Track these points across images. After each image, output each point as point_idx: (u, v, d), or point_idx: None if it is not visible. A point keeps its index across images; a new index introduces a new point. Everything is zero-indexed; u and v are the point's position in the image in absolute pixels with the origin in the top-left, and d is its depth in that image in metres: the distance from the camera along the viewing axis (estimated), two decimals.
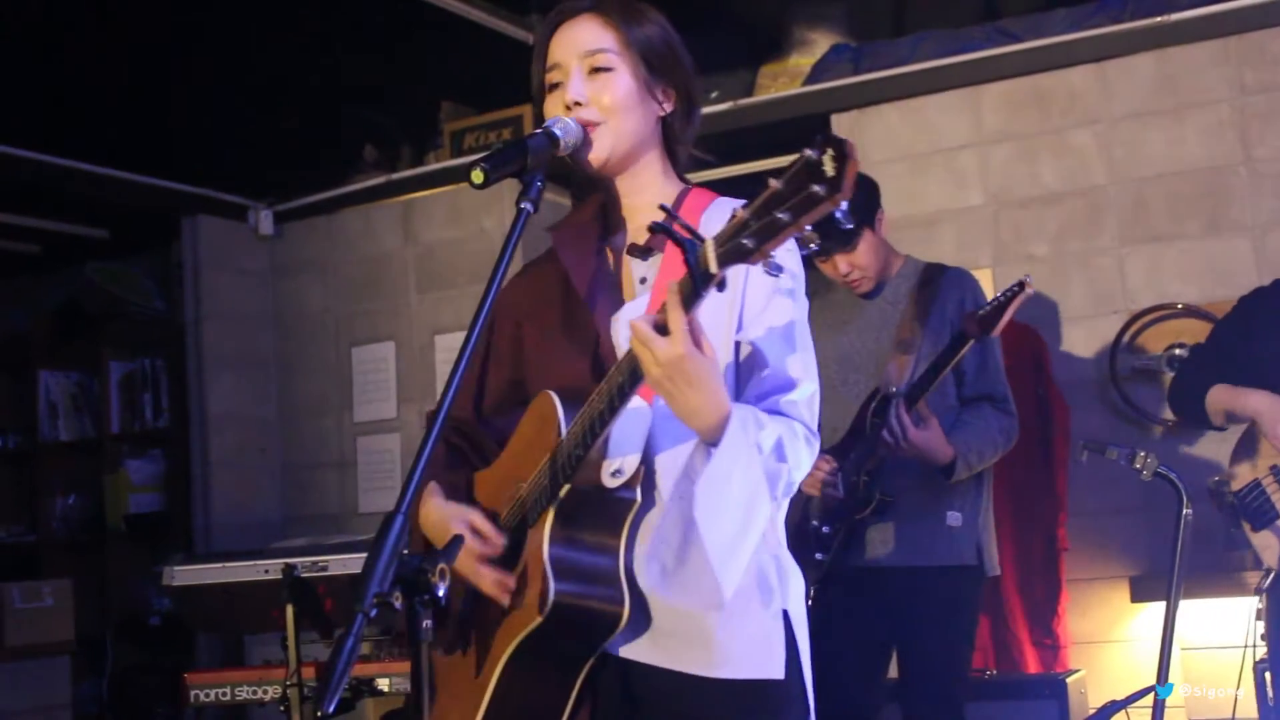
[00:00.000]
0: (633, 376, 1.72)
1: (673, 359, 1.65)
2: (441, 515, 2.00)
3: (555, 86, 2.00)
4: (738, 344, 1.95)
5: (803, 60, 5.35)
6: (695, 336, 1.66)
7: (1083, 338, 4.64)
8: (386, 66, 5.38)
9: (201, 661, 5.74)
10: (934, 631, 3.53)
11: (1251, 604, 3.52)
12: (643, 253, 1.90)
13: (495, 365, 2.14)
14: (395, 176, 5.98)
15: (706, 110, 5.22)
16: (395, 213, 5.96)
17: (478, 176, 1.81)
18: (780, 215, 1.49)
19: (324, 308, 6.12)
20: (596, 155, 1.97)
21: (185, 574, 4.09)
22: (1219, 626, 4.17)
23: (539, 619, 1.80)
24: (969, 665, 3.72)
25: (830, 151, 1.45)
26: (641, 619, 1.88)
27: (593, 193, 2.10)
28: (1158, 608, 3.83)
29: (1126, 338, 4.55)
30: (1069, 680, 4.06)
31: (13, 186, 5.70)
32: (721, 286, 1.59)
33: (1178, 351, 4.42)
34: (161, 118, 5.26)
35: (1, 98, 4.89)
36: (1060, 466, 4.52)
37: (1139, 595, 4.33)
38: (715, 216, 1.99)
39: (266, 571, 3.92)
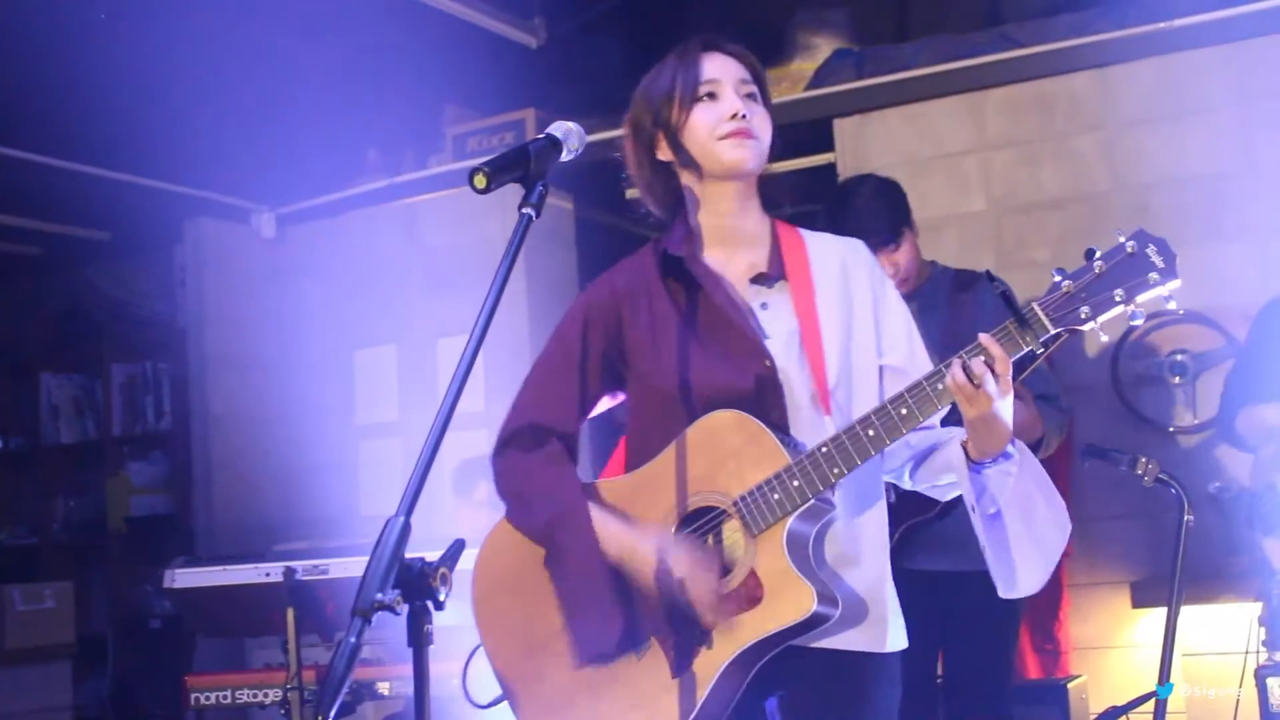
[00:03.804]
0: (922, 407, 2.00)
1: (1010, 393, 2.01)
2: (673, 554, 2.06)
3: (710, 97, 2.21)
4: (881, 368, 2.22)
5: (805, 65, 5.34)
6: None
7: (1085, 343, 4.63)
8: (389, 69, 5.38)
9: (202, 664, 5.73)
10: (988, 636, 3.56)
11: (1253, 609, 3.52)
12: (768, 281, 2.18)
13: (593, 376, 2.23)
14: (398, 180, 5.97)
15: None
16: (398, 216, 5.96)
17: (480, 180, 1.82)
18: (1116, 293, 1.95)
19: (326, 311, 6.10)
20: (756, 165, 2.20)
21: (186, 576, 4.08)
22: (1220, 632, 4.16)
23: (796, 619, 1.97)
24: (1014, 669, 3.77)
25: (1153, 247, 1.95)
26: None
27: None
28: (1159, 613, 3.82)
29: (1129, 343, 4.55)
30: (1070, 686, 4.05)
31: (15, 188, 5.69)
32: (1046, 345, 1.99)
33: (1180, 358, 4.42)
34: (163, 120, 5.26)
35: (3, 100, 4.89)
36: (1062, 471, 4.52)
37: (1140, 600, 4.33)
38: (817, 250, 2.25)
39: (267, 574, 3.91)
